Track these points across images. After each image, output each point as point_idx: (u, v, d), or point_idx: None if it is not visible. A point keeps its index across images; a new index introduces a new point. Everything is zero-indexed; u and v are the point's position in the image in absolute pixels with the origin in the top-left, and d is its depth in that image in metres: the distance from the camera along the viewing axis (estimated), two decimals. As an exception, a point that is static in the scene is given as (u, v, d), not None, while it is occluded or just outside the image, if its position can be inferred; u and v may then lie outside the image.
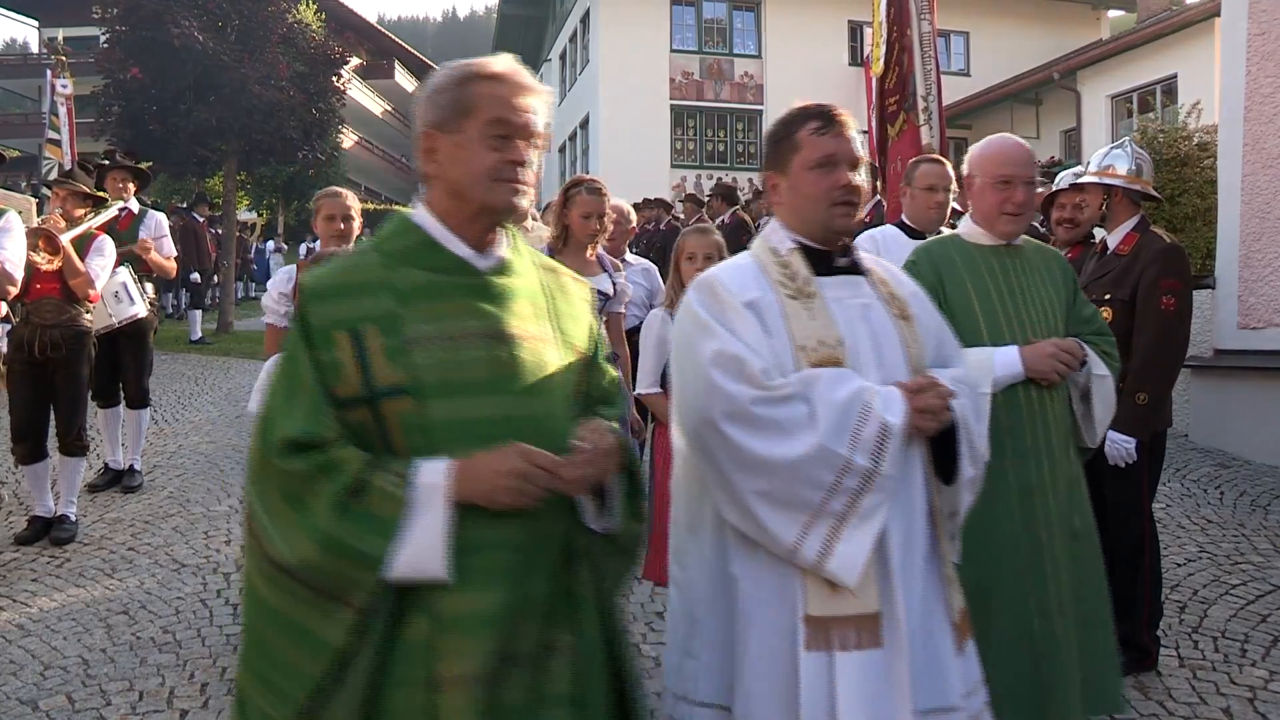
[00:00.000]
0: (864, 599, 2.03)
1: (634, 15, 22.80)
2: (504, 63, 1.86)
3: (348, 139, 29.23)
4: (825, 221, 2.20)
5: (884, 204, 7.75)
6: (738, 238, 10.21)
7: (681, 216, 12.83)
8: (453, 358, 1.76)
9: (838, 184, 2.19)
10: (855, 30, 22.62)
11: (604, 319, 4.16)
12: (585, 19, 24.44)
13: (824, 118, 2.22)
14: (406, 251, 1.84)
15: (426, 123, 1.86)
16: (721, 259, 3.42)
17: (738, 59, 23.62)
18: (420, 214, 1.89)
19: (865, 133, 10.04)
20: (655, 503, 3.73)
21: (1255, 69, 6.84)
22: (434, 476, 1.69)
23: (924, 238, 4.06)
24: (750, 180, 20.39)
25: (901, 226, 4.43)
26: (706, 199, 12.50)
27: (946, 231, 3.50)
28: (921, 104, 7.31)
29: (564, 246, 4.27)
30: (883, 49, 8.01)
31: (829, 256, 2.26)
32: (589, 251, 4.31)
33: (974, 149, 3.12)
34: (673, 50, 23.21)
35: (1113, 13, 24.93)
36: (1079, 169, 4.71)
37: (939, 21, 8.01)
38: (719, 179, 19.28)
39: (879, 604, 2.04)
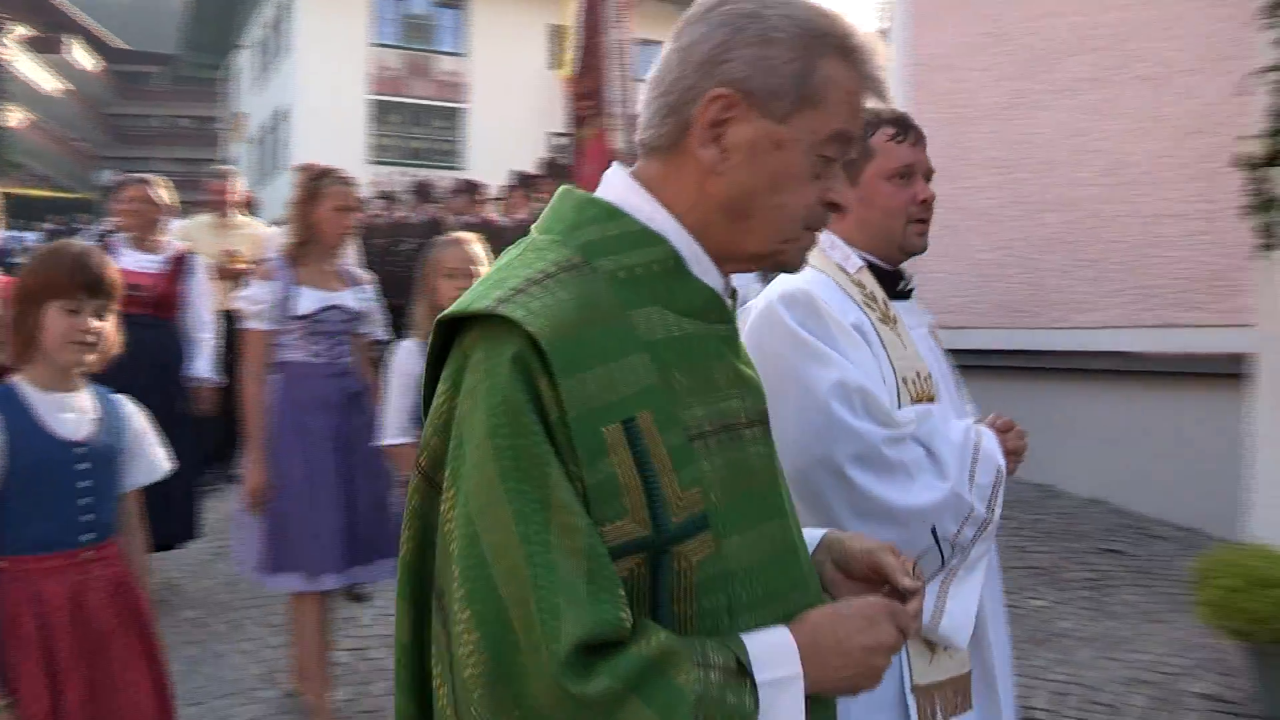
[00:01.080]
0: (960, 658, 1.84)
1: (335, 5, 22.12)
2: (862, 29, 1.18)
3: (14, 116, 26.68)
4: (901, 238, 1.97)
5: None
6: (429, 238, 10.05)
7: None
8: (739, 460, 1.16)
9: (916, 198, 1.97)
10: (555, 33, 22.96)
11: (346, 344, 3.76)
12: (286, 4, 23.47)
13: (901, 124, 1.94)
14: (645, 277, 1.14)
15: (732, 79, 1.13)
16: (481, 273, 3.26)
17: (441, 56, 23.40)
18: (657, 213, 1.17)
19: (564, 136, 10.18)
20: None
21: (915, 94, 7.47)
22: (783, 667, 1.07)
23: None
24: (463, 179, 20.21)
25: None
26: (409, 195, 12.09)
27: None
28: (614, 110, 7.46)
29: (304, 252, 3.66)
30: (575, 53, 8.12)
31: (895, 277, 2.02)
32: (335, 259, 3.74)
33: None
34: (374, 44, 22.69)
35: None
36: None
37: (643, 30, 8.23)
38: (420, 178, 19.00)
39: (970, 661, 1.87)
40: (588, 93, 8.00)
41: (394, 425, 3.40)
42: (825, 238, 1.94)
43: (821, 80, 1.13)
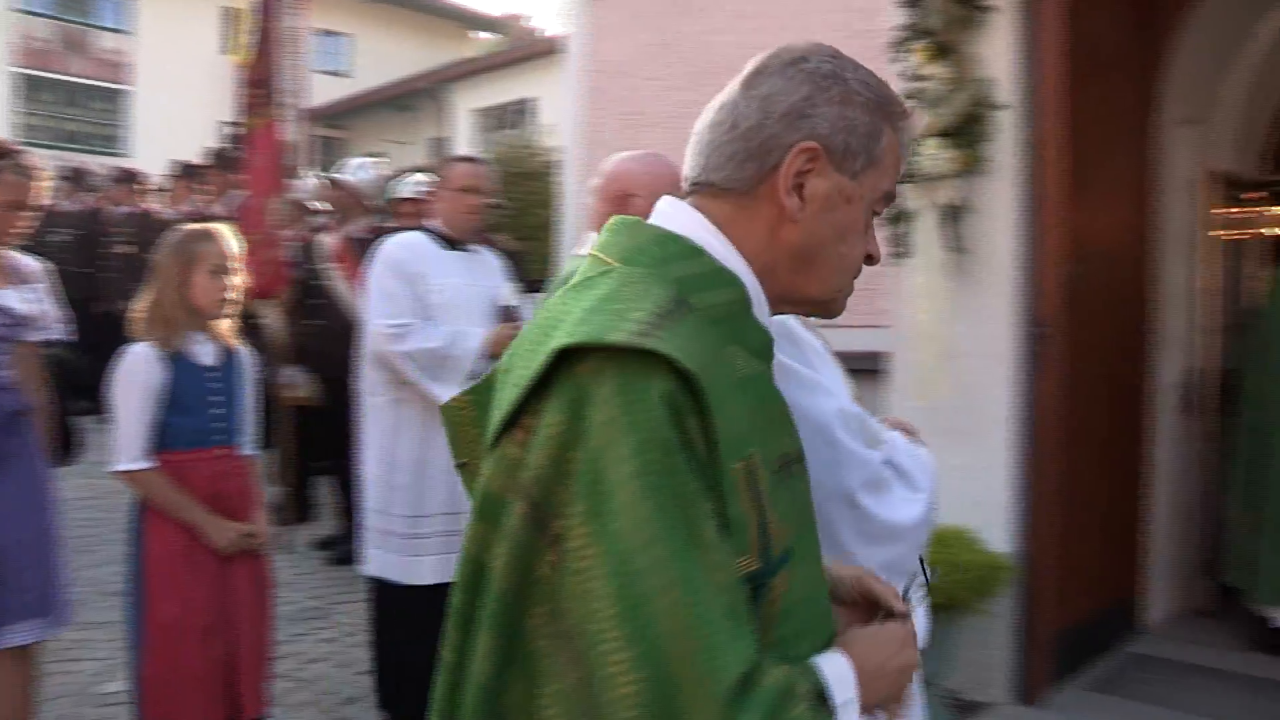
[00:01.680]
0: None
1: (-29, -35, 19.94)
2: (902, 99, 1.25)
3: None
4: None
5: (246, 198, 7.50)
6: (90, 228, 9.33)
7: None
8: (798, 494, 1.21)
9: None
10: (229, 15, 21.77)
11: (5, 353, 3.12)
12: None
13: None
14: (726, 317, 1.16)
15: (816, 134, 1.18)
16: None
17: (102, 31, 21.61)
18: (730, 254, 1.19)
19: (234, 125, 9.68)
20: (147, 604, 3.04)
21: (592, 100, 7.68)
22: (846, 691, 1.12)
23: (463, 246, 3.85)
24: (123, 167, 18.74)
25: (432, 233, 3.87)
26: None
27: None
28: (284, 100, 7.19)
29: None
30: (249, 38, 7.76)
31: None
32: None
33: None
34: (20, 9, 20.61)
35: (484, 34, 26.54)
36: (419, 177, 4.95)
37: (324, 21, 7.96)
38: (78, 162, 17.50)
39: None
40: (259, 80, 7.66)
41: (131, 449, 3.03)
42: None
43: (885, 144, 1.23)
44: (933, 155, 4.00)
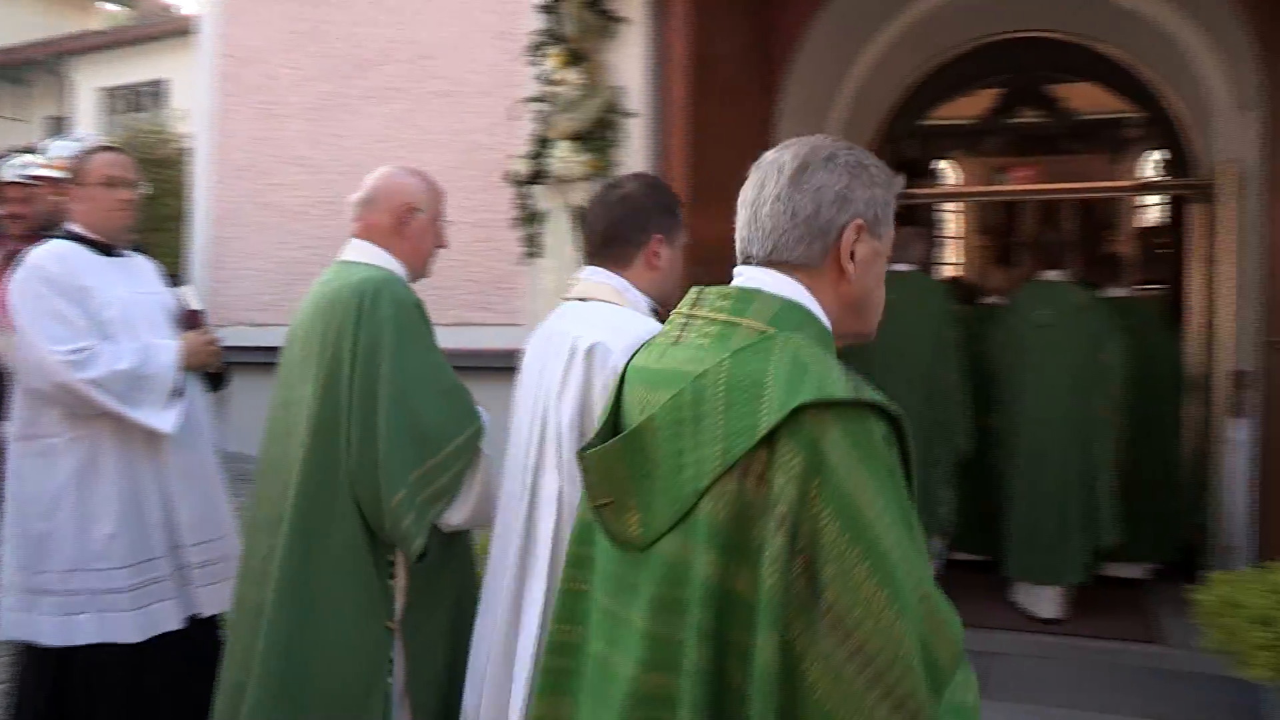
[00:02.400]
0: None
1: None
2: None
3: None
4: (676, 296, 1.96)
5: None
6: None
7: None
8: None
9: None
10: None
11: None
12: None
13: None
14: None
15: (859, 213, 1.54)
16: None
17: None
18: (823, 317, 1.52)
19: None
20: None
21: (223, 86, 7.27)
22: None
23: (117, 251, 3.36)
24: None
25: (78, 238, 3.33)
26: None
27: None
28: None
29: None
30: None
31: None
32: None
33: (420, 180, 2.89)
34: None
35: (112, 6, 24.53)
36: (28, 158, 4.51)
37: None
38: None
39: None
40: None
41: None
42: (623, 284, 2.30)
43: (891, 209, 1.59)
44: (564, 158, 4.12)
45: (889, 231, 1.58)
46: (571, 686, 1.54)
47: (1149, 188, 11.07)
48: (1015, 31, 7.56)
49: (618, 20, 4.34)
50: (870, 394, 1.37)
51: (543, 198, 4.26)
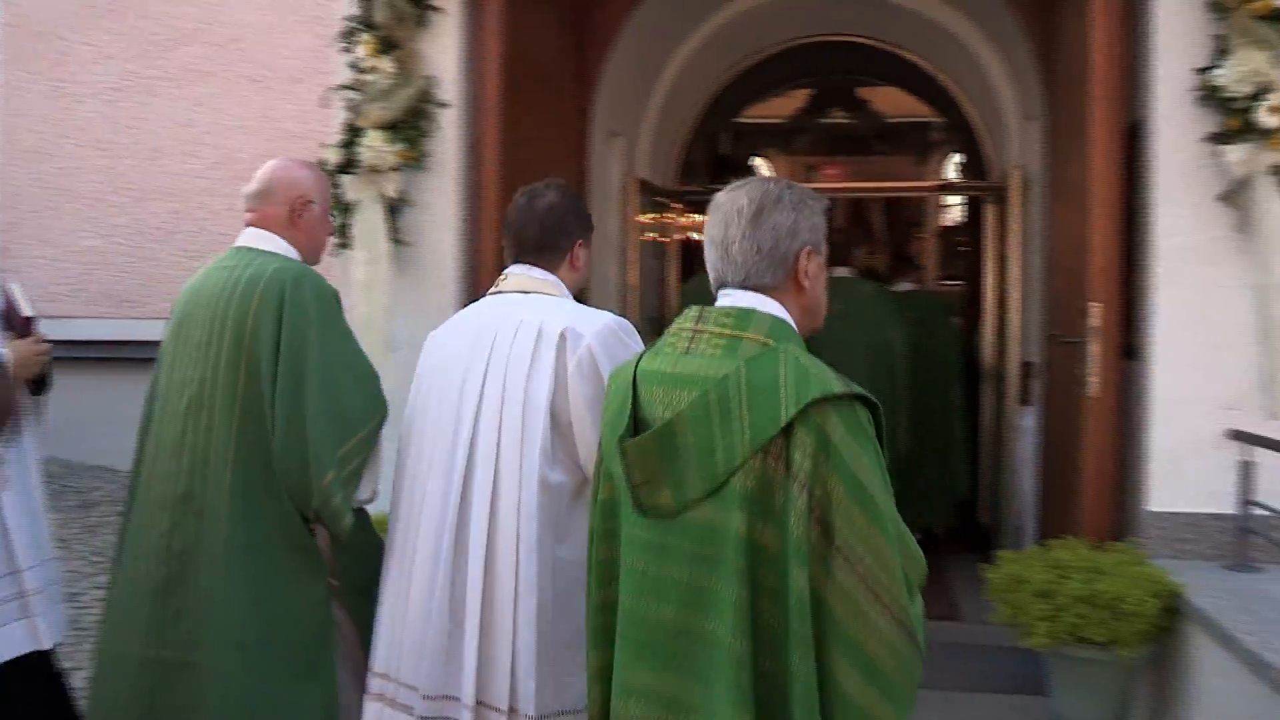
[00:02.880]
0: None
1: None
2: None
3: None
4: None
5: None
6: None
7: None
8: None
9: None
10: None
11: None
12: None
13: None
14: None
15: (808, 241, 1.95)
16: None
17: None
18: (792, 321, 1.95)
19: None
20: None
21: (13, 62, 6.84)
22: None
23: None
24: None
25: None
26: None
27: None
28: None
29: None
30: None
31: None
32: None
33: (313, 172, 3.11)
34: None
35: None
36: None
37: None
38: None
39: None
40: None
41: None
42: (557, 281, 2.59)
43: (824, 227, 1.99)
44: (375, 148, 4.05)
45: (825, 246, 1.99)
46: (611, 637, 1.91)
47: (948, 189, 11.63)
48: (824, 35, 7.84)
49: (431, 9, 4.29)
50: (855, 388, 1.80)
51: (353, 188, 4.17)
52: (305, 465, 2.62)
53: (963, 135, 9.53)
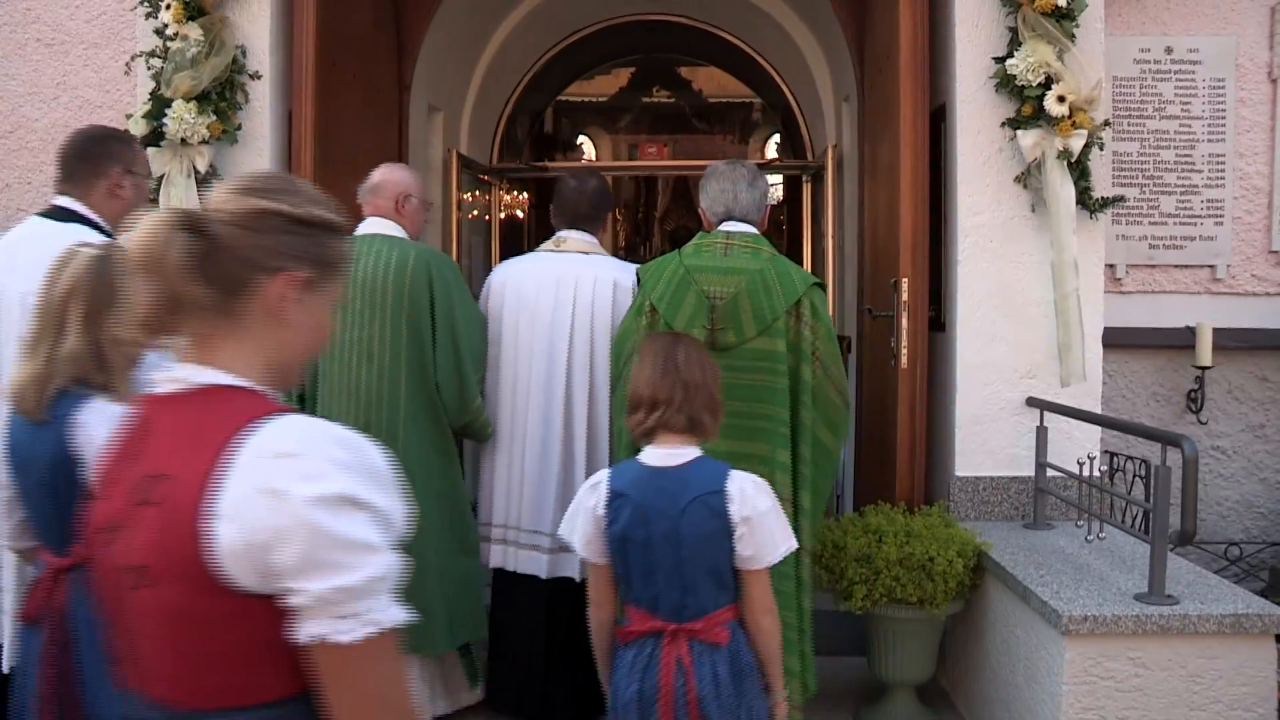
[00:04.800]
0: None
1: None
2: None
3: None
4: None
5: None
6: None
7: None
8: None
9: None
10: None
11: None
12: None
13: None
14: None
15: (771, 198, 3.53)
16: None
17: None
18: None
19: None
20: None
21: None
22: None
23: None
24: None
25: None
26: None
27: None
28: None
29: None
30: None
31: None
32: None
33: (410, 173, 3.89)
34: None
35: None
36: None
37: None
38: None
39: None
40: None
41: None
42: (597, 243, 3.98)
43: None
44: (183, 120, 3.87)
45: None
46: None
47: (767, 168, 11.90)
48: (646, 14, 7.89)
49: (243, -25, 4.11)
50: (818, 279, 3.35)
51: (160, 160, 3.97)
52: (464, 393, 3.63)
53: (782, 115, 9.77)
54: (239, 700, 1.21)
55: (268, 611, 1.17)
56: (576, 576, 3.61)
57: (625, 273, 3.76)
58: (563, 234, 3.86)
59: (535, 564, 3.70)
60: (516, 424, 3.77)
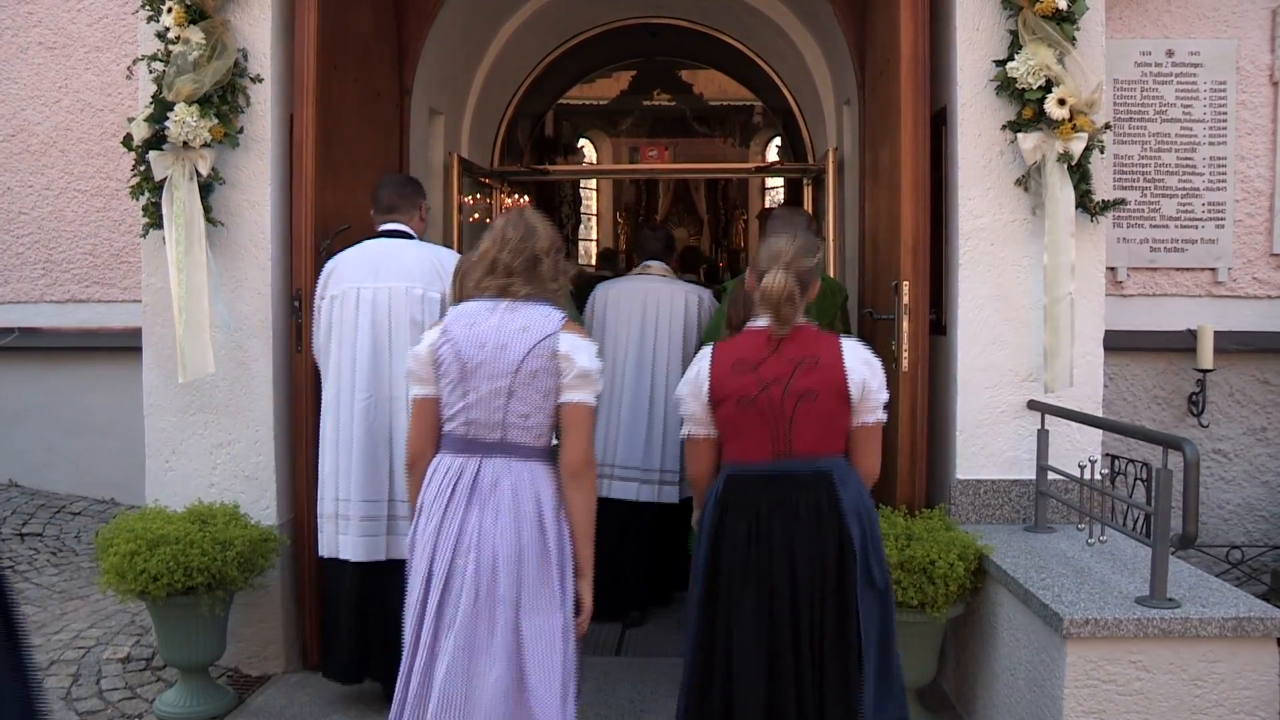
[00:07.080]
0: None
1: None
2: None
3: None
4: None
5: None
6: None
7: None
8: None
9: None
10: None
11: None
12: None
13: None
14: None
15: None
16: None
17: None
18: None
19: None
20: None
21: None
22: None
23: None
24: None
25: None
26: None
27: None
28: None
29: None
30: None
31: None
32: None
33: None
34: None
35: None
36: None
37: None
38: None
39: None
40: None
41: None
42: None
43: None
44: (185, 123, 3.87)
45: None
46: None
47: (768, 170, 11.93)
48: (648, 18, 7.90)
49: (242, -20, 4.12)
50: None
51: (162, 164, 3.97)
52: None
53: (783, 119, 9.77)
54: (837, 449, 2.88)
55: (850, 410, 2.87)
56: (656, 499, 5.20)
57: (691, 290, 5.39)
58: (647, 263, 5.51)
59: (627, 490, 5.19)
60: (613, 388, 5.23)
